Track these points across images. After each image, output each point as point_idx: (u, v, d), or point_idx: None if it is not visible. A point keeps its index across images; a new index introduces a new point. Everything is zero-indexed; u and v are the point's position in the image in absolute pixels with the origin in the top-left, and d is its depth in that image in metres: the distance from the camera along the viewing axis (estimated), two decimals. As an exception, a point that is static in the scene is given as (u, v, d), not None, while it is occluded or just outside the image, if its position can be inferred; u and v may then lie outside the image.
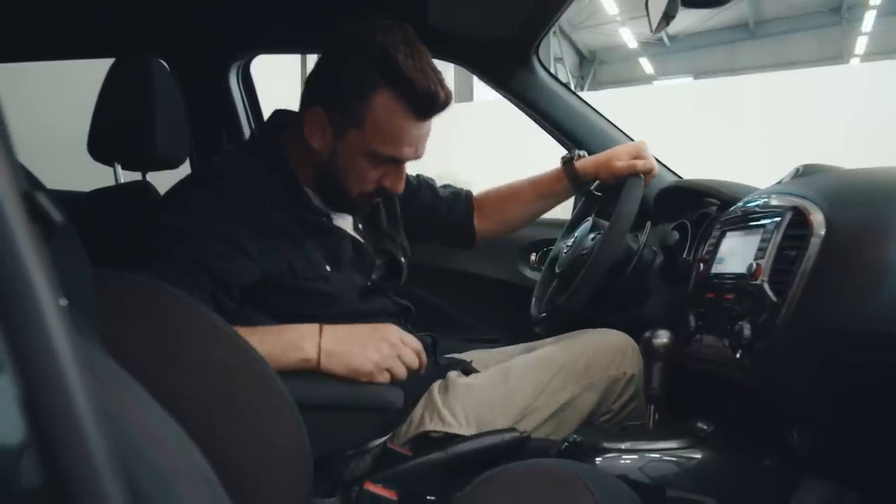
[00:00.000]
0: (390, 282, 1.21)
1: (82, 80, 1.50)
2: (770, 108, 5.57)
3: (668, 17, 0.93)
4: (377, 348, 0.93)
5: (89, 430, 0.23)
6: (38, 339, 0.23)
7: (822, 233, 0.75)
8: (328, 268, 1.05)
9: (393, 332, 0.97)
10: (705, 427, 0.96)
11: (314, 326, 0.93)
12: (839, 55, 12.59)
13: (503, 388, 1.10)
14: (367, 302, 1.12)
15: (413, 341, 0.98)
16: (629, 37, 12.71)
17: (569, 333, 1.24)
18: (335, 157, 1.02)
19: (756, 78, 7.02)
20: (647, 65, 14.22)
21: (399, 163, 1.04)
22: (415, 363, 0.96)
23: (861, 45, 12.29)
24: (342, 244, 1.09)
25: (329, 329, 0.92)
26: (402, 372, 0.94)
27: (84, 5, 1.40)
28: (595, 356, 1.15)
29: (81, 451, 0.23)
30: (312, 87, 1.04)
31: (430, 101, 0.97)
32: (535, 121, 1.54)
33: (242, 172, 1.01)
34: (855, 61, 12.37)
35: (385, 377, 0.93)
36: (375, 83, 0.96)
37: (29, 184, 0.25)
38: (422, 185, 1.36)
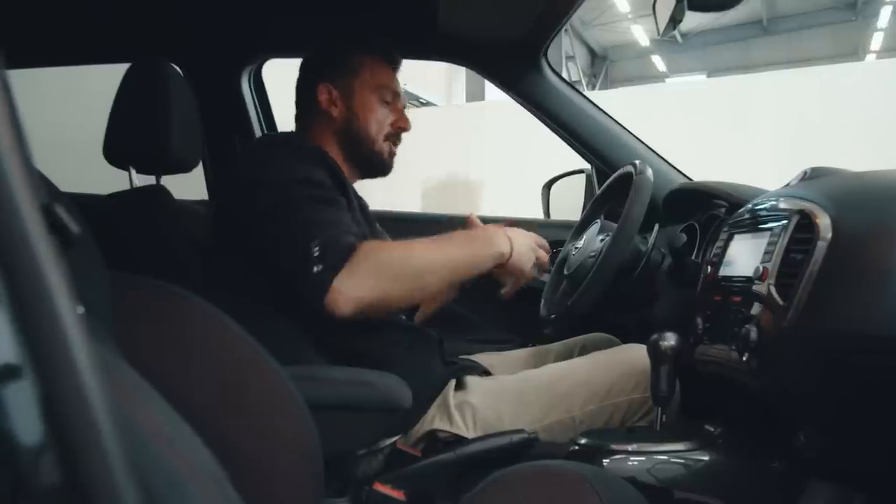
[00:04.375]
0: None
1: (97, 84, 1.52)
2: (784, 105, 5.52)
3: (674, 20, 0.93)
4: (532, 250, 1.13)
5: (106, 434, 0.24)
6: (57, 348, 0.24)
7: (829, 236, 0.75)
8: None
9: (537, 237, 1.15)
10: (713, 429, 0.97)
11: (497, 228, 1.11)
12: (854, 51, 12.45)
13: (517, 399, 1.10)
14: None
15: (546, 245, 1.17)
16: (641, 34, 12.63)
17: (603, 351, 1.22)
18: (353, 111, 1.19)
19: (770, 75, 6.95)
20: (659, 62, 14.12)
21: (397, 98, 1.22)
22: (545, 263, 1.17)
23: (877, 41, 12.13)
24: (374, 231, 1.23)
25: (511, 230, 1.11)
26: (529, 272, 1.13)
27: (98, 11, 1.42)
28: (620, 378, 1.11)
29: (98, 453, 0.24)
30: (309, 71, 1.23)
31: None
32: (543, 123, 1.55)
33: (301, 143, 1.16)
34: (870, 58, 12.22)
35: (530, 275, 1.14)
36: (356, 48, 1.22)
37: (48, 194, 0.26)
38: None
